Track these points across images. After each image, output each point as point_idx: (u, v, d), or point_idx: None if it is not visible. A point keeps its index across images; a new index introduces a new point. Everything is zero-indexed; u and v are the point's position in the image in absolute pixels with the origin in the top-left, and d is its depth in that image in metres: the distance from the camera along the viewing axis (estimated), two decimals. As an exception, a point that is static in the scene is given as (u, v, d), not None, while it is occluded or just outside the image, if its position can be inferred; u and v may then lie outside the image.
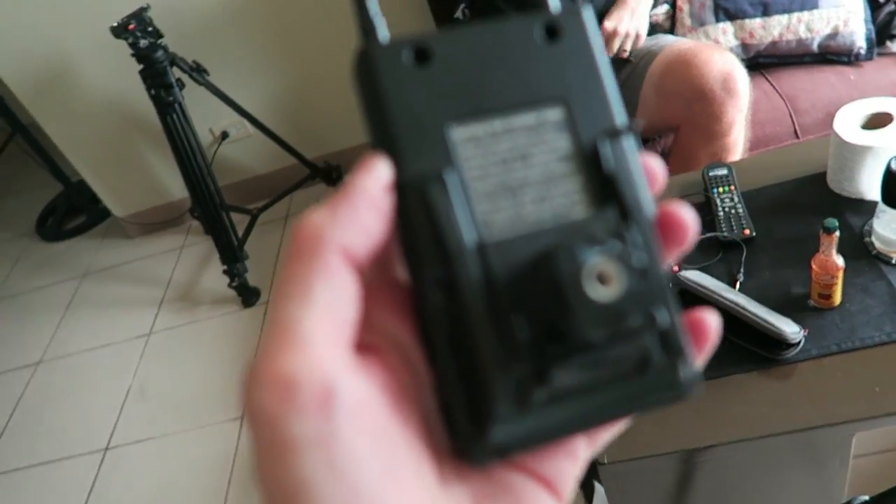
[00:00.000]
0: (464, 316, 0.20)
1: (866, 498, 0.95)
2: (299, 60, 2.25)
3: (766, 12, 1.54)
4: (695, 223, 0.23)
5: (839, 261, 0.87)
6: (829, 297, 0.89)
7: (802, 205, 1.06)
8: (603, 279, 0.19)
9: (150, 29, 1.75)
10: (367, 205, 0.20)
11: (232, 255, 2.01)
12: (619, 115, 0.23)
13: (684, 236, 0.23)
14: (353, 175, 0.21)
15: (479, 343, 0.20)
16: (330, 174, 2.30)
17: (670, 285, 0.22)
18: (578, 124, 0.23)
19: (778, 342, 0.85)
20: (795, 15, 1.54)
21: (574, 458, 0.23)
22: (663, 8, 1.66)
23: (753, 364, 0.86)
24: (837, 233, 0.85)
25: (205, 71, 1.93)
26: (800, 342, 0.85)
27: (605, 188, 0.22)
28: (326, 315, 0.19)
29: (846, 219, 1.00)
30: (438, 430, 0.22)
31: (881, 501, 0.93)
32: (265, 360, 0.19)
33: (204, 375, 1.93)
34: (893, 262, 0.93)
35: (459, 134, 0.22)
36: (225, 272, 2.03)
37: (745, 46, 1.58)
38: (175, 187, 2.44)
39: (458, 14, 1.85)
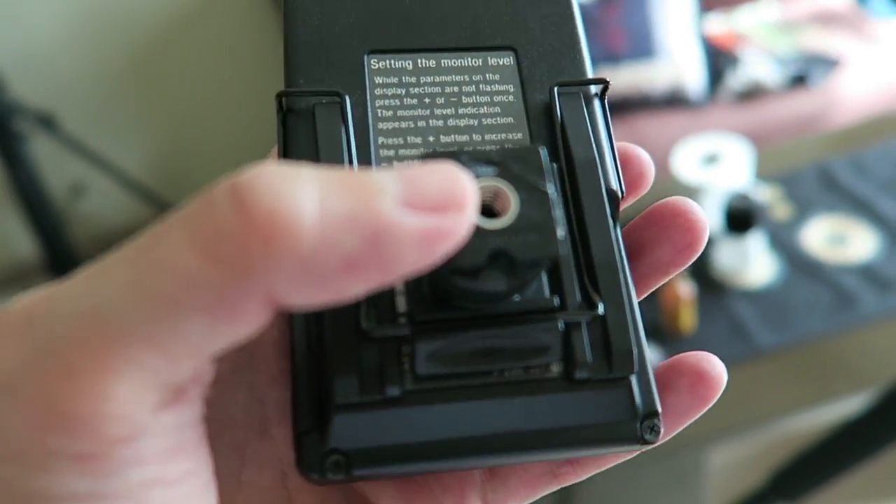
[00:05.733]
0: None
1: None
2: (173, 103, 2.16)
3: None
4: (652, 169, 0.18)
5: (687, 288, 0.93)
6: (678, 322, 0.95)
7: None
8: (496, 207, 0.14)
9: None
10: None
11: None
12: (587, 69, 0.19)
13: (643, 181, 0.18)
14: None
15: None
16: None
17: (627, 271, 0.16)
18: (532, 72, 0.19)
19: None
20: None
21: None
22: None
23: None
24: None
25: (52, 121, 1.81)
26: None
27: (553, 146, 0.17)
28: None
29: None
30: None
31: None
32: None
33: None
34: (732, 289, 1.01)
35: (379, 64, 0.19)
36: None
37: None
38: (21, 243, 2.24)
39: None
